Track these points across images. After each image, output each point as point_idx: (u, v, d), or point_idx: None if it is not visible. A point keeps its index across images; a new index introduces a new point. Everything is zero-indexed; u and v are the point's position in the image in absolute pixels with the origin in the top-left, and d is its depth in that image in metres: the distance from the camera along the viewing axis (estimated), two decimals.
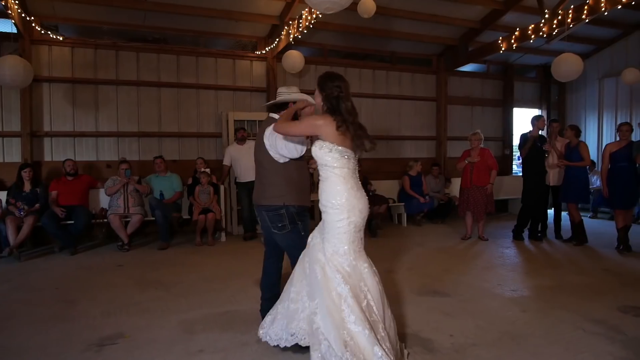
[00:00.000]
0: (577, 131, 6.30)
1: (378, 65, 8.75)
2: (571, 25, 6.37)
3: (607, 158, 5.81)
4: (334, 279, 2.52)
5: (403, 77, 8.95)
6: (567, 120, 9.92)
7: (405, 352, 2.83)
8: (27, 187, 5.95)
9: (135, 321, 3.49)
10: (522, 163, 6.50)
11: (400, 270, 4.95)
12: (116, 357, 2.89)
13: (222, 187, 6.78)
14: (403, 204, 7.95)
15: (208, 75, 7.56)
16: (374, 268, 2.68)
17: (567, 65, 6.07)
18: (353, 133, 2.61)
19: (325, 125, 2.61)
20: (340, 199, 2.59)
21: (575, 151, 6.17)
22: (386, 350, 2.38)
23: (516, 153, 9.32)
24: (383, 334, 2.46)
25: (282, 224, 3.00)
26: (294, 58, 6.86)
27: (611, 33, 8.77)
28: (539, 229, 6.56)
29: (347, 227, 2.59)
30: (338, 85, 2.64)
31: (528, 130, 6.44)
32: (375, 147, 2.75)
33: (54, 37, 6.59)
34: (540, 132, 6.37)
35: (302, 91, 3.19)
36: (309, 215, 3.20)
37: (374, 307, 2.53)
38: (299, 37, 6.62)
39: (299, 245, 2.91)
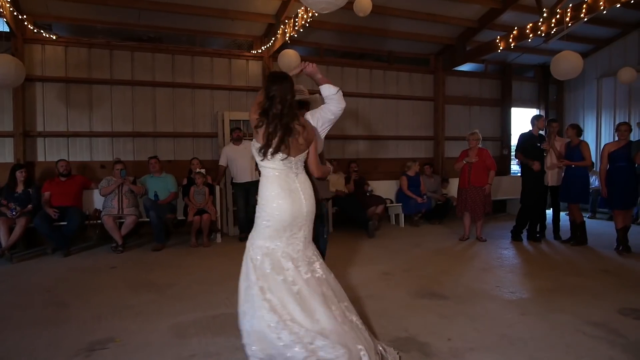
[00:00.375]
0: (578, 130, 6.23)
1: (375, 64, 8.70)
2: (570, 24, 6.32)
3: (605, 158, 5.76)
4: (245, 269, 2.65)
5: (400, 77, 8.90)
6: (565, 120, 9.89)
7: (397, 356, 2.76)
8: (20, 188, 5.87)
9: (127, 325, 3.41)
10: (521, 163, 6.44)
11: (397, 271, 4.89)
12: None
13: (217, 188, 6.71)
14: (400, 204, 7.89)
15: (203, 74, 7.49)
16: (299, 264, 2.63)
17: (567, 63, 5.98)
18: (265, 138, 2.61)
19: (252, 120, 2.69)
20: (261, 197, 2.70)
21: (576, 150, 6.11)
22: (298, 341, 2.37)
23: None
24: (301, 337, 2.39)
25: None
26: (290, 57, 6.78)
27: (609, 32, 8.74)
28: (538, 229, 6.50)
29: (261, 225, 2.66)
30: (276, 88, 2.66)
31: (528, 130, 6.38)
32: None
33: (47, 36, 6.51)
34: (540, 132, 6.33)
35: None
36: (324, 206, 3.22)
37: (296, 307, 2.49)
38: (295, 36, 6.56)
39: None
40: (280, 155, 2.62)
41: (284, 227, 2.63)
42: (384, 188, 8.15)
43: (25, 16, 6.16)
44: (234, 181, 6.84)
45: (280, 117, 2.63)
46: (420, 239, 6.77)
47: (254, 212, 2.87)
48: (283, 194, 2.64)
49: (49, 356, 2.90)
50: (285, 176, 2.67)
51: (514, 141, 9.18)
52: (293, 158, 2.68)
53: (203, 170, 6.55)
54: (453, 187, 8.02)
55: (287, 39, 6.74)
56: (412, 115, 9.02)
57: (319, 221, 3.06)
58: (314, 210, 2.76)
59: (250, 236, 2.72)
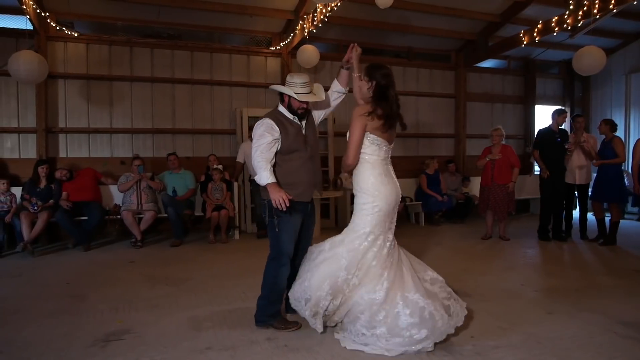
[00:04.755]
0: (612, 125, 5.94)
1: (395, 61, 8.56)
2: (597, 17, 6.09)
3: (638, 153, 5.52)
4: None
5: (421, 73, 8.75)
6: (591, 117, 9.57)
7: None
8: (43, 183, 5.95)
9: (143, 317, 3.39)
10: (540, 157, 6.24)
11: None
12: (121, 353, 2.79)
13: (235, 185, 6.68)
14: (420, 202, 7.75)
15: (222, 71, 7.49)
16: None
17: (590, 58, 5.75)
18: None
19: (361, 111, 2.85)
20: (365, 183, 2.87)
21: (609, 147, 5.87)
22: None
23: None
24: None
25: (264, 215, 3.18)
26: (309, 52, 6.74)
27: (638, 26, 8.43)
28: (564, 228, 6.28)
29: (371, 210, 2.83)
30: (386, 74, 2.80)
31: (547, 125, 6.18)
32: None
33: (70, 33, 6.60)
34: (560, 127, 6.13)
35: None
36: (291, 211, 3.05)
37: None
38: (314, 31, 6.50)
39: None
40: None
41: (389, 211, 2.85)
42: (403, 186, 7.85)
43: (48, 14, 6.24)
44: (252, 178, 6.80)
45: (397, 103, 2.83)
46: (440, 237, 6.62)
47: None
48: (387, 180, 2.86)
49: (65, 346, 2.89)
50: (386, 163, 2.90)
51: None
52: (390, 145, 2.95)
53: (220, 166, 6.54)
54: (475, 185, 7.83)
55: (306, 34, 6.69)
56: (432, 113, 8.85)
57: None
58: None
59: (348, 230, 2.90)
